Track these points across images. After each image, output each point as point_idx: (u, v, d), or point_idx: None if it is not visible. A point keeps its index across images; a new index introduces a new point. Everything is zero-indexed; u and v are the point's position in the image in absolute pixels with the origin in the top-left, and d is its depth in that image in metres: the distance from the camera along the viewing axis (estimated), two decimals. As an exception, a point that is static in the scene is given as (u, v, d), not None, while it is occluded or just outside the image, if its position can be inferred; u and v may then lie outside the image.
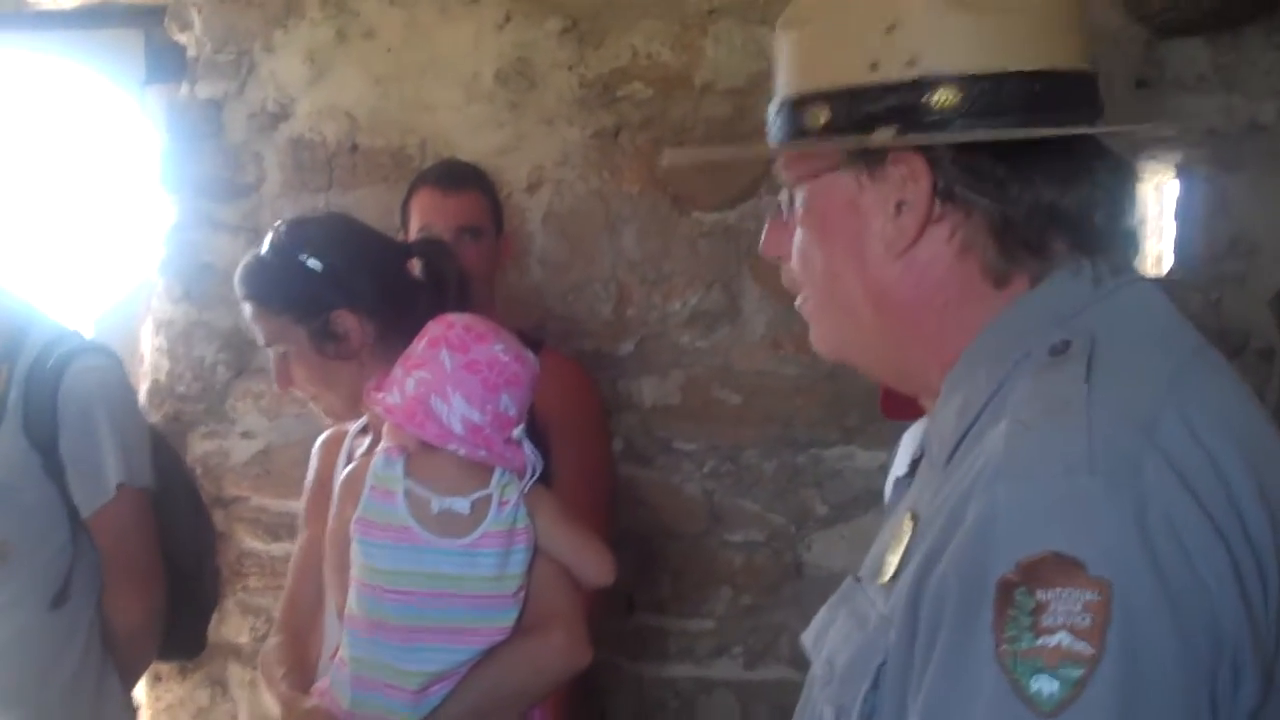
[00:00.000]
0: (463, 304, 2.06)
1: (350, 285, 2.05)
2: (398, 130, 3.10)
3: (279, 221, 2.17)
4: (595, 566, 1.92)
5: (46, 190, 3.40)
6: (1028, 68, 1.07)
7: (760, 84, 2.93)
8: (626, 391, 3.04)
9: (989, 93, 1.06)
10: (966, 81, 1.06)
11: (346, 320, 2.04)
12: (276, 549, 3.15)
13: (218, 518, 3.15)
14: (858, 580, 1.16)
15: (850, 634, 1.11)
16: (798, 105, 1.13)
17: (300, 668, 2.05)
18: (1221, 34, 2.77)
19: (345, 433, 2.22)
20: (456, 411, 1.79)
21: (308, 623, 2.12)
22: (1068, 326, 1.04)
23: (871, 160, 1.10)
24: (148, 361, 3.26)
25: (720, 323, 3.01)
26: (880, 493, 1.32)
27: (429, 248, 2.24)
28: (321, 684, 1.92)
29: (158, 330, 3.23)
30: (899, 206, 1.09)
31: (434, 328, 1.87)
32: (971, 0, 1.06)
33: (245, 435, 3.21)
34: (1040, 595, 0.88)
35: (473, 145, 3.03)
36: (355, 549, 1.82)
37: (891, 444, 1.25)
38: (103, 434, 2.30)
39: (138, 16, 3.29)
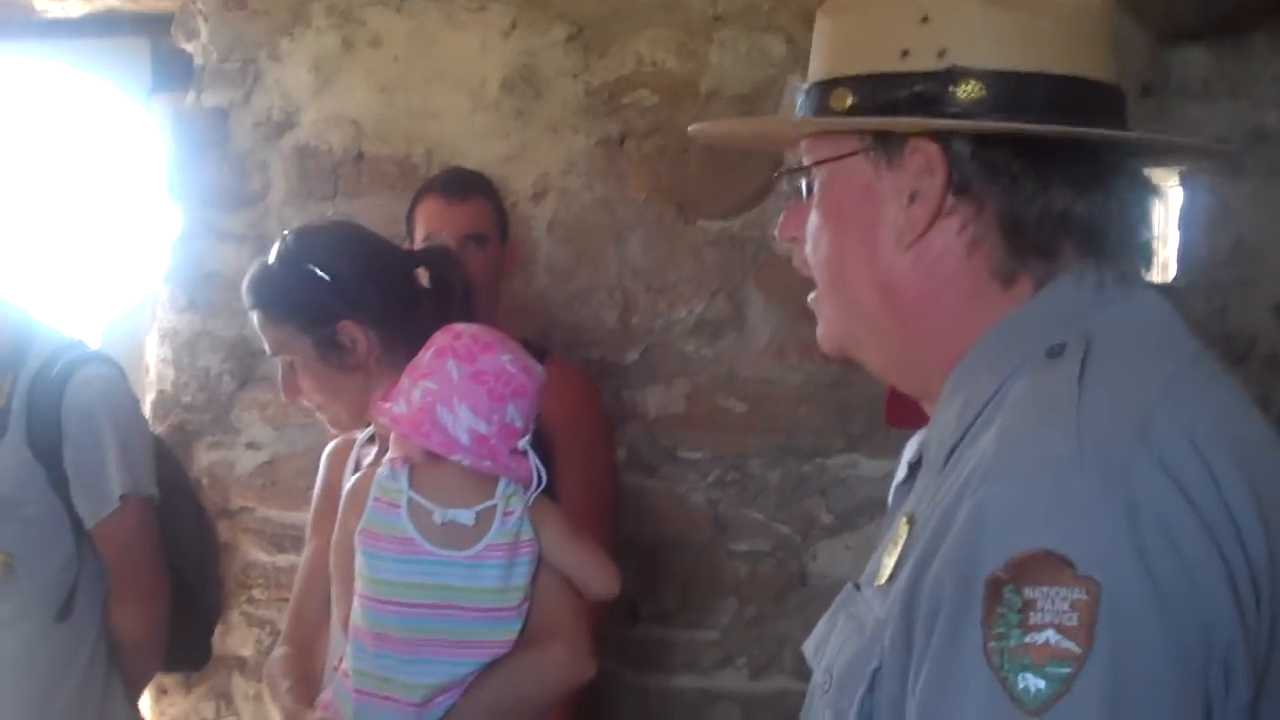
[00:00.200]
0: (468, 313, 2.06)
1: (357, 295, 2.05)
2: (403, 138, 3.10)
3: (286, 230, 2.17)
4: (599, 579, 1.91)
5: (53, 198, 3.40)
6: (1055, 70, 1.07)
7: (766, 91, 2.94)
8: (631, 400, 3.04)
9: (1014, 90, 1.06)
10: (993, 76, 1.07)
11: (353, 330, 2.04)
12: (282, 560, 3.15)
13: (223, 529, 3.15)
14: (856, 586, 1.17)
15: (847, 640, 1.11)
16: (826, 87, 1.15)
17: (305, 679, 2.04)
18: (1226, 41, 2.77)
19: (352, 442, 2.22)
20: (462, 422, 1.79)
21: (313, 634, 2.12)
22: (1066, 330, 1.04)
23: (890, 148, 1.10)
24: (153, 371, 3.26)
25: (725, 331, 3.01)
26: (885, 502, 1.32)
27: (436, 256, 2.24)
28: (324, 696, 1.91)
29: (163, 340, 3.23)
30: (913, 196, 1.09)
31: (441, 338, 1.87)
32: None
33: (250, 446, 3.21)
34: (1028, 593, 0.88)
35: (478, 153, 3.03)
36: (359, 560, 1.82)
37: (896, 452, 1.25)
38: (106, 444, 2.31)
39: (144, 25, 3.30)
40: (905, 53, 1.09)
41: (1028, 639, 0.88)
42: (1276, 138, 2.81)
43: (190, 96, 3.20)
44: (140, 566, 2.37)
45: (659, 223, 3.01)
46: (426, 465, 1.83)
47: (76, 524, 2.30)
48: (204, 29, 3.18)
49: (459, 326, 1.90)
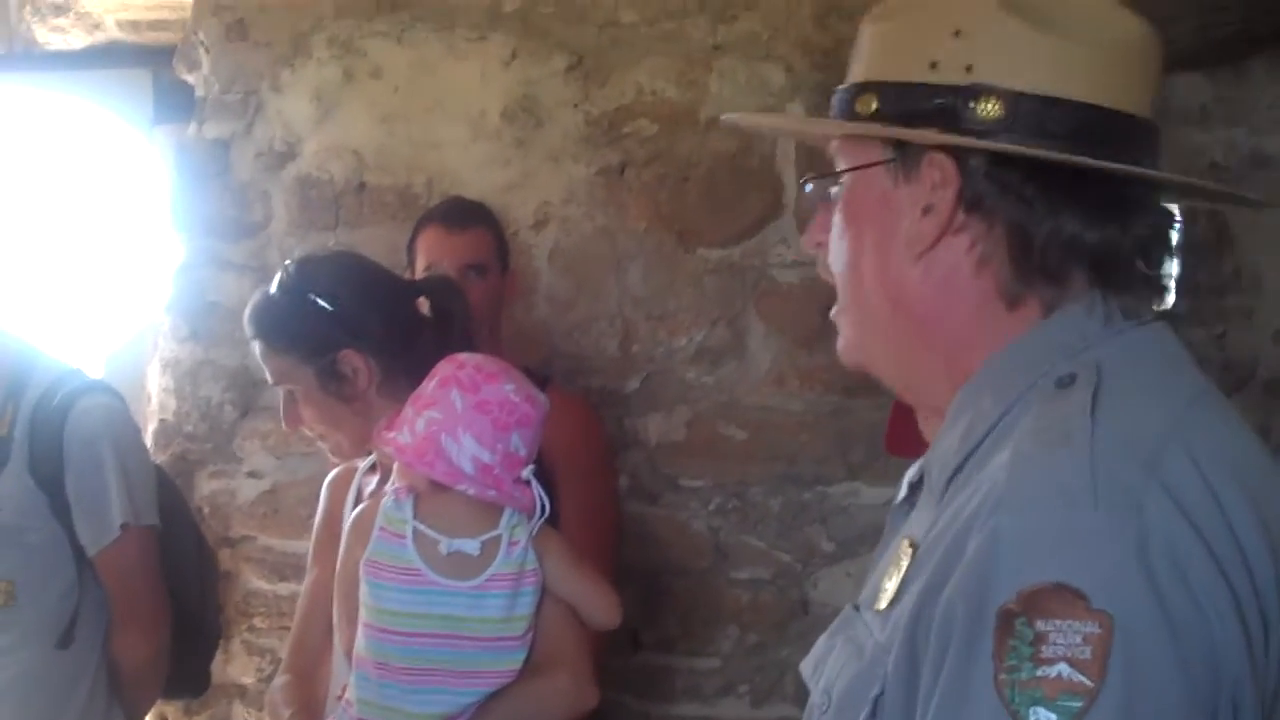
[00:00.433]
0: (468, 342, 2.07)
1: (359, 324, 2.05)
2: (404, 168, 3.11)
3: (288, 260, 2.17)
4: (602, 608, 1.92)
5: (55, 229, 3.41)
6: (1082, 98, 1.07)
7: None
8: (632, 428, 3.04)
9: (1035, 113, 1.06)
10: (1015, 97, 1.06)
11: (354, 360, 2.05)
12: (283, 589, 3.14)
13: (224, 557, 3.15)
14: (856, 608, 1.16)
15: (847, 662, 1.10)
16: (856, 90, 1.15)
17: (307, 708, 2.04)
18: (1224, 68, 2.79)
19: (354, 471, 2.22)
20: (467, 451, 1.79)
21: (314, 663, 2.12)
22: (1075, 361, 1.04)
23: (909, 160, 1.11)
24: (154, 401, 3.26)
25: (725, 359, 3.01)
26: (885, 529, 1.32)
27: (437, 286, 2.24)
28: (328, 724, 1.91)
29: (164, 369, 3.23)
30: (926, 209, 1.10)
31: (445, 367, 1.88)
32: (1042, 20, 1.07)
33: (252, 475, 3.21)
34: (1040, 626, 0.88)
35: (479, 183, 3.04)
36: (364, 590, 1.82)
37: (897, 481, 1.26)
38: (108, 472, 2.31)
39: (146, 57, 3.32)
40: (934, 64, 1.09)
41: (1039, 672, 0.87)
42: (1276, 163, 2.82)
43: (192, 127, 3.21)
44: (142, 595, 2.37)
45: (659, 251, 3.02)
46: (431, 495, 1.83)
47: (78, 552, 2.30)
48: (205, 60, 3.19)
49: (463, 356, 1.90)
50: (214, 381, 3.20)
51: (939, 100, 1.08)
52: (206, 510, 3.18)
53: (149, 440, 3.11)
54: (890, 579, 1.08)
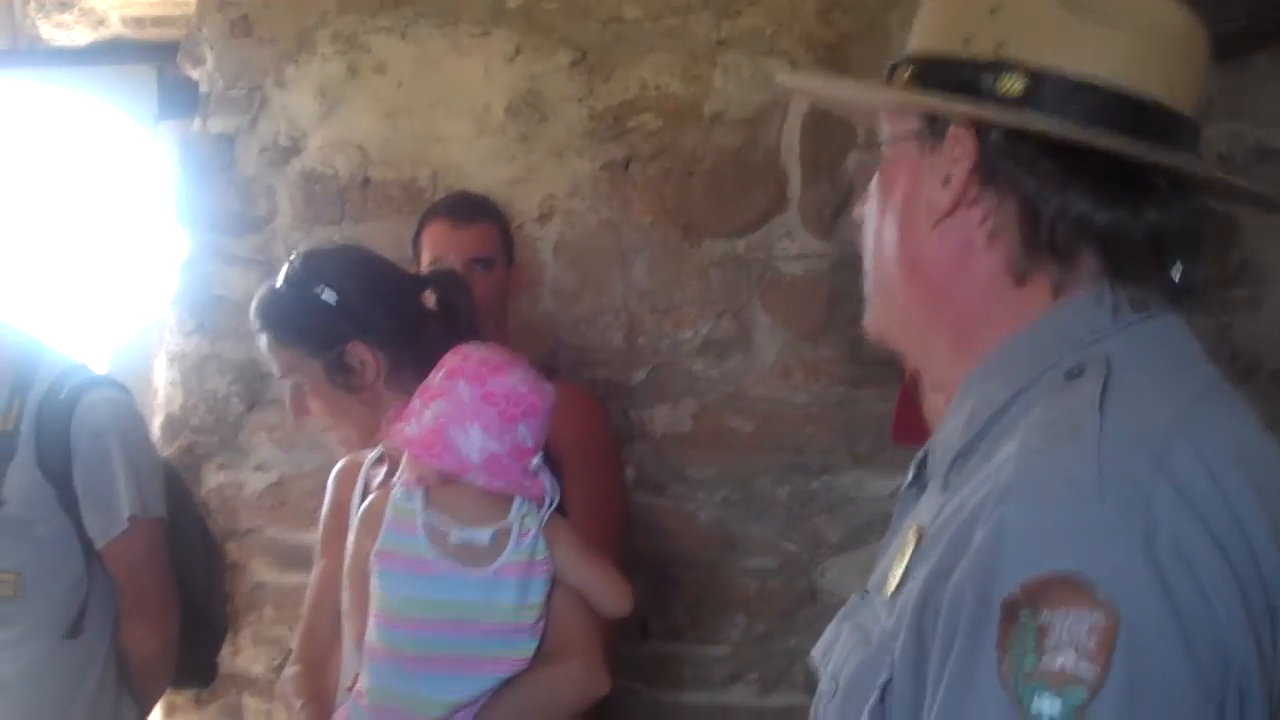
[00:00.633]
0: (474, 335, 2.07)
1: (365, 317, 2.06)
2: (409, 163, 3.11)
3: (295, 253, 2.18)
4: (613, 596, 1.92)
5: (60, 225, 3.42)
6: (1109, 82, 1.07)
7: (769, 114, 2.96)
8: (638, 420, 3.04)
9: (1059, 92, 1.07)
10: (1039, 75, 1.07)
11: (361, 352, 2.05)
12: (291, 580, 3.14)
13: (232, 550, 3.16)
14: (864, 594, 1.17)
15: (854, 649, 1.11)
16: (901, 63, 1.17)
17: (318, 698, 2.05)
18: (1229, 62, 2.79)
19: (361, 463, 2.23)
20: (474, 442, 1.80)
21: (325, 653, 2.13)
22: (1084, 353, 1.04)
23: (937, 132, 1.12)
24: (161, 395, 3.26)
25: (731, 351, 3.02)
26: (892, 518, 1.32)
27: (443, 279, 2.25)
28: (340, 715, 1.91)
29: (171, 364, 3.24)
30: (946, 180, 1.11)
31: (452, 359, 1.88)
32: (1080, 3, 1.07)
33: (259, 468, 3.22)
34: (1045, 616, 0.88)
35: (483, 177, 3.05)
36: (375, 580, 1.83)
37: (903, 471, 1.26)
38: (116, 465, 2.32)
39: (151, 52, 3.32)
40: (968, 40, 1.10)
41: (1044, 662, 0.87)
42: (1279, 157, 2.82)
43: (196, 123, 3.22)
44: (150, 586, 2.38)
45: (664, 244, 3.02)
46: (441, 486, 1.84)
47: (86, 544, 2.31)
48: (210, 56, 3.19)
49: (469, 348, 1.91)
50: (220, 375, 3.21)
51: (965, 74, 1.10)
52: (214, 503, 3.19)
53: (155, 434, 3.12)
54: (896, 566, 1.08)
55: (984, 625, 0.90)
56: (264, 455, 3.21)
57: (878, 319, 1.23)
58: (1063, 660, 0.87)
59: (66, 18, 3.31)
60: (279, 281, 2.11)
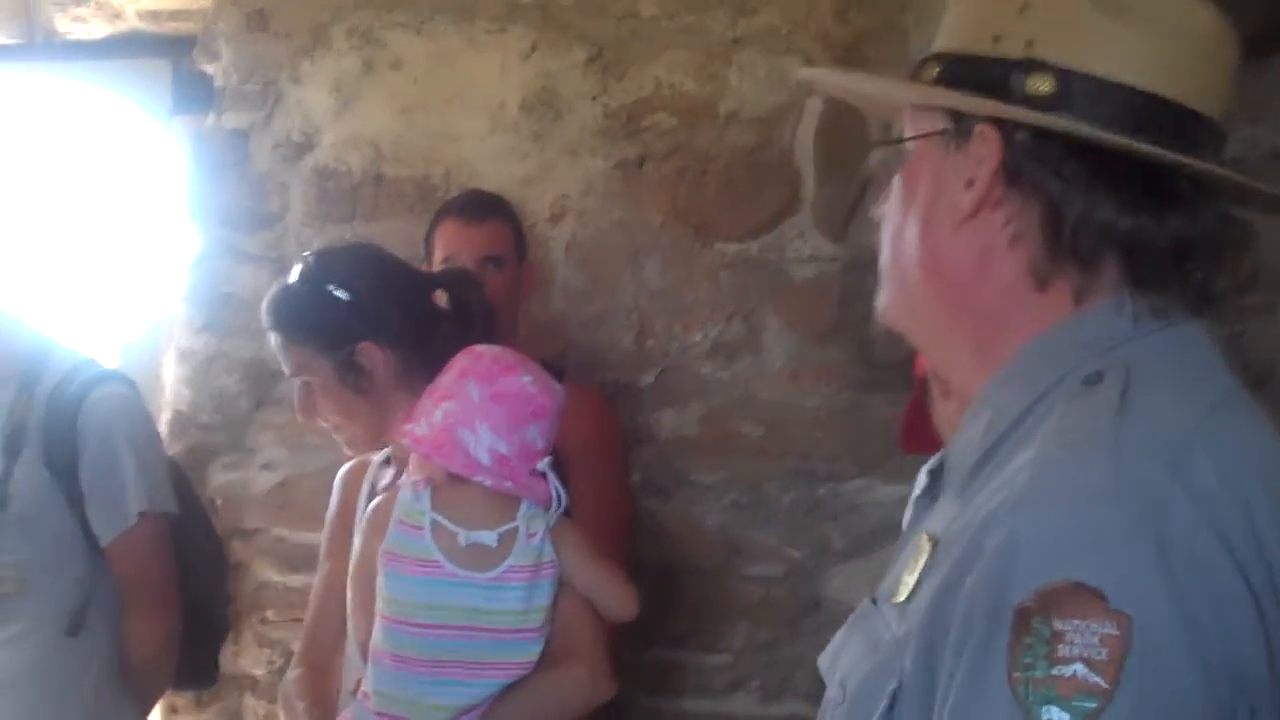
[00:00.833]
0: (489, 335, 2.07)
1: (377, 317, 2.05)
2: (422, 160, 3.10)
3: (308, 251, 2.17)
4: (618, 600, 1.92)
5: (72, 218, 3.42)
6: (1138, 84, 1.06)
7: (784, 113, 2.95)
8: (645, 424, 3.03)
9: (1088, 93, 1.06)
10: (1068, 75, 1.06)
11: (371, 353, 2.05)
12: (295, 580, 3.14)
13: (237, 549, 3.15)
14: (874, 601, 1.16)
15: (863, 656, 1.10)
16: (926, 60, 1.16)
17: (321, 701, 2.05)
18: (1245, 64, 2.77)
19: (368, 464, 2.22)
20: (484, 443, 1.80)
21: (329, 655, 2.12)
22: (1103, 359, 1.03)
23: (962, 131, 1.11)
24: (169, 392, 3.26)
25: (741, 354, 3.01)
26: (899, 527, 1.31)
27: (455, 279, 2.24)
28: (343, 716, 1.91)
29: (180, 360, 3.24)
30: (970, 182, 1.10)
31: (462, 359, 1.88)
32: (1112, 3, 1.06)
33: (266, 467, 3.21)
34: (1057, 625, 0.87)
35: (497, 175, 3.04)
36: (381, 582, 1.82)
37: (911, 478, 1.25)
38: (123, 461, 2.32)
39: (166, 47, 3.32)
40: (997, 38, 1.09)
41: (1055, 671, 0.87)
42: (1295, 160, 2.81)
43: (211, 118, 3.21)
44: (154, 583, 2.38)
45: (676, 245, 3.01)
46: (449, 487, 1.84)
47: (90, 541, 2.31)
48: (225, 51, 3.19)
49: (480, 348, 1.91)
50: (228, 373, 3.20)
51: (992, 73, 1.09)
52: (219, 501, 3.18)
53: (163, 430, 3.11)
54: (909, 573, 1.07)
55: (996, 632, 0.90)
56: (270, 454, 3.20)
57: (893, 308, 1.22)
58: (1073, 670, 0.86)
59: (83, 11, 3.31)
60: (291, 279, 2.11)
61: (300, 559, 3.12)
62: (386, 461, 2.18)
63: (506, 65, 3.06)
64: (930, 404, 1.69)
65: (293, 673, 2.14)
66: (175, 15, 3.30)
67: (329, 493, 2.30)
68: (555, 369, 2.34)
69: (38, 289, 3.09)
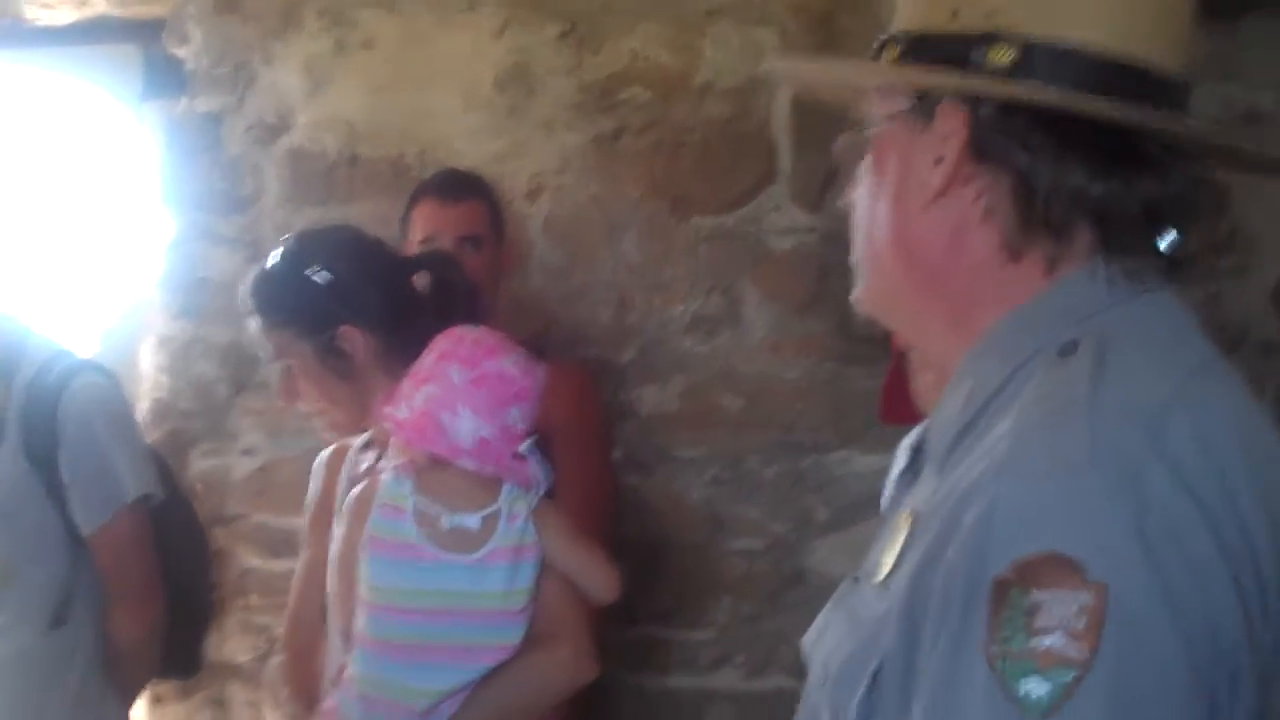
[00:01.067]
0: (471, 316, 2.06)
1: (358, 300, 2.04)
2: (397, 140, 3.09)
3: (288, 234, 2.16)
4: (601, 581, 1.92)
5: (45, 206, 3.39)
6: (1100, 48, 1.05)
7: (759, 84, 2.94)
8: (627, 399, 3.03)
9: (1051, 61, 1.05)
10: (1029, 45, 1.05)
11: (352, 336, 2.04)
12: (278, 566, 3.13)
13: (218, 535, 3.14)
14: (855, 580, 1.15)
15: (845, 636, 1.10)
16: (885, 42, 1.15)
17: (306, 687, 2.05)
18: (1219, 23, 2.77)
19: (348, 449, 2.22)
20: (465, 426, 1.79)
21: (312, 641, 2.12)
22: (1078, 328, 1.03)
23: (927, 109, 1.10)
24: (148, 379, 3.25)
25: (721, 328, 3.00)
26: (880, 498, 1.31)
27: (436, 261, 2.23)
28: (328, 703, 1.90)
29: (158, 347, 3.22)
30: (938, 160, 1.09)
31: (442, 342, 1.87)
32: None
33: (246, 452, 3.20)
34: (1035, 596, 0.87)
35: (472, 153, 3.03)
36: (364, 567, 1.82)
37: (892, 449, 1.25)
38: (103, 450, 2.31)
39: (135, 31, 3.29)
40: (955, 13, 1.08)
41: (1033, 642, 0.86)
42: (1271, 120, 2.81)
43: (182, 102, 3.19)
44: (136, 573, 2.37)
45: (653, 220, 3.00)
46: (430, 470, 1.83)
47: (72, 531, 2.30)
48: (195, 34, 3.17)
49: (460, 330, 1.90)
50: (206, 359, 3.19)
51: (952, 48, 1.08)
52: (200, 488, 3.17)
53: (142, 418, 3.10)
54: (888, 551, 1.07)
55: (974, 605, 0.89)
56: (251, 440, 3.20)
57: (869, 293, 1.21)
58: (1052, 641, 0.86)
59: (50, -4, 3.28)
60: (271, 263, 2.09)
61: (283, 544, 3.11)
62: (367, 445, 2.18)
63: (479, 42, 3.05)
64: (909, 374, 1.69)
65: (277, 659, 2.14)
66: (144, -1, 3.27)
67: (310, 478, 2.29)
68: (535, 348, 2.33)
69: (12, 278, 3.07)
